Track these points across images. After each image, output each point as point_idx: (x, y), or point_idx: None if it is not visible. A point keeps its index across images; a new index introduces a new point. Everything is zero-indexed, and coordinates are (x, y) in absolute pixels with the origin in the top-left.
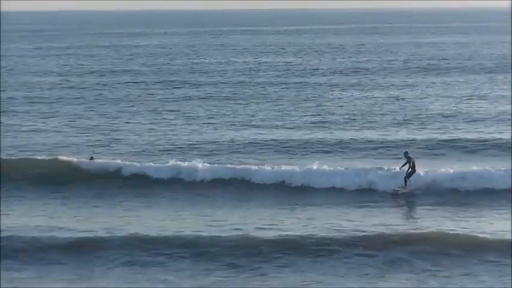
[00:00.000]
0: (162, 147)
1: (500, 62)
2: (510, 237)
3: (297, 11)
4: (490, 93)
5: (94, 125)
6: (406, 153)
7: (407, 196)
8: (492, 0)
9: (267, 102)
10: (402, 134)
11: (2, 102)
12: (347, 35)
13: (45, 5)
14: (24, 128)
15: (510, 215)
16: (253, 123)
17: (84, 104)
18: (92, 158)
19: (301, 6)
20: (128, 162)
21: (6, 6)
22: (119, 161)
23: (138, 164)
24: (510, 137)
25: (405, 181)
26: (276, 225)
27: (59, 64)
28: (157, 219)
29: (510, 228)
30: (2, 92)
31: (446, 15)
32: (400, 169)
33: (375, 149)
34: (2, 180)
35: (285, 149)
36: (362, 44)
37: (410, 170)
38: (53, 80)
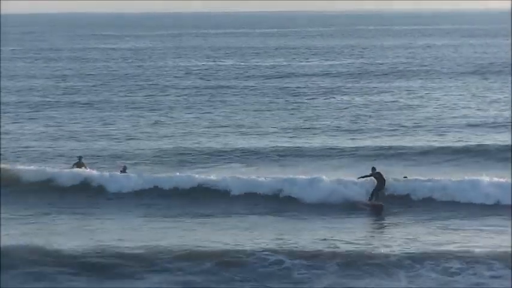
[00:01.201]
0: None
1: (490, 63)
2: None
3: (285, 13)
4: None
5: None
6: (373, 169)
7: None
8: (482, 0)
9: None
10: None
11: None
12: (333, 37)
13: (45, 6)
14: None
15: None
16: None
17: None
18: (124, 169)
19: (291, 9)
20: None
21: (6, 7)
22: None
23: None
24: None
25: (371, 195)
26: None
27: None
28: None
29: None
30: None
31: (434, 17)
32: (358, 179)
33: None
34: None
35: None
36: (352, 46)
37: (377, 184)
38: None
